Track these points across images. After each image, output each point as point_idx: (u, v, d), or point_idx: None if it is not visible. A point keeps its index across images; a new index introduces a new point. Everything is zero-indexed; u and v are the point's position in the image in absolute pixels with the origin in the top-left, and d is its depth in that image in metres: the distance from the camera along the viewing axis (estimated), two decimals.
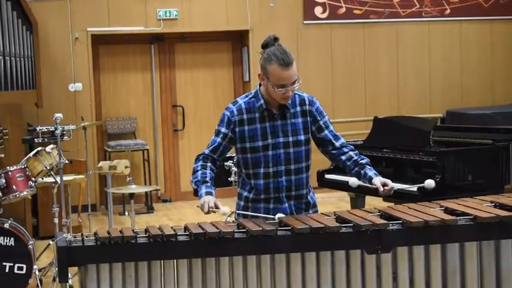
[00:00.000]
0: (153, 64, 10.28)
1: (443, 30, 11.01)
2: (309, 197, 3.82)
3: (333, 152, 3.82)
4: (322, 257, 3.30)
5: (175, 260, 3.25)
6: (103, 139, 10.19)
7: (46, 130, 6.28)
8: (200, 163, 3.75)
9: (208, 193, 3.62)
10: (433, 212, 3.49)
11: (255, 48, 9.76)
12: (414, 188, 3.78)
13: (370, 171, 3.74)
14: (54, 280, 5.84)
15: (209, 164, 3.74)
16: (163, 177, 10.43)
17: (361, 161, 3.79)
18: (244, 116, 3.72)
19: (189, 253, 3.25)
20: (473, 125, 8.10)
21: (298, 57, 10.27)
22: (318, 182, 6.49)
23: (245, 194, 3.79)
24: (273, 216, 3.55)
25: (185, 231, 3.33)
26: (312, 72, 10.43)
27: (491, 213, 3.41)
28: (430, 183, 3.80)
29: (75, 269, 3.28)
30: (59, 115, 5.83)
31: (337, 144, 3.82)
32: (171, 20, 10.08)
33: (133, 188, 6.53)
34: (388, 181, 3.68)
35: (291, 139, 3.72)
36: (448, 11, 10.99)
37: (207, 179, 3.68)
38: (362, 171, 3.76)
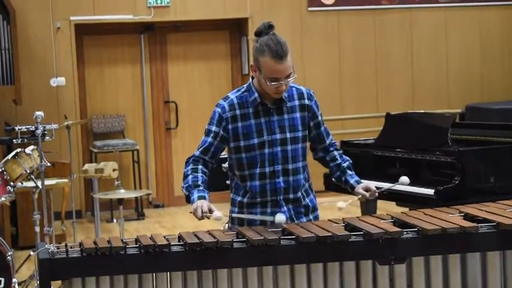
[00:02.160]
0: (143, 56, 10.29)
1: (461, 17, 11.01)
2: (307, 200, 3.83)
3: (321, 150, 3.92)
4: (330, 268, 3.31)
5: (168, 273, 3.25)
6: (88, 139, 10.20)
7: (26, 130, 6.26)
8: (190, 167, 3.75)
9: (200, 197, 3.62)
10: (452, 218, 3.50)
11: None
12: (394, 186, 3.85)
13: (352, 179, 3.86)
14: None
15: (200, 167, 3.75)
16: (155, 181, 10.44)
17: (343, 165, 3.90)
18: (237, 112, 3.73)
19: (184, 265, 3.26)
20: (496, 122, 8.10)
21: (302, 47, 10.28)
22: (324, 185, 6.50)
23: (239, 199, 3.80)
24: (270, 218, 3.56)
25: (179, 241, 3.34)
26: (318, 63, 10.43)
27: None
28: (404, 179, 3.82)
29: (59, 282, 3.28)
30: (39, 113, 5.83)
31: (328, 142, 3.92)
32: (163, 7, 10.08)
33: (122, 193, 6.54)
34: (370, 185, 3.78)
35: (288, 135, 3.74)
36: None
37: (199, 182, 3.69)
38: (343, 178, 3.89)
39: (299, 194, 3.79)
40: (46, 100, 9.50)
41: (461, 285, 3.37)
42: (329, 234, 3.30)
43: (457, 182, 5.39)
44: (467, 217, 3.55)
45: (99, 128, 10.09)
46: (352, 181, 3.84)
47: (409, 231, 3.36)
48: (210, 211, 3.54)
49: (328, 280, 3.31)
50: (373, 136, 6.83)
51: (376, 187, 3.82)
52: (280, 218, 3.54)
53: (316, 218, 3.85)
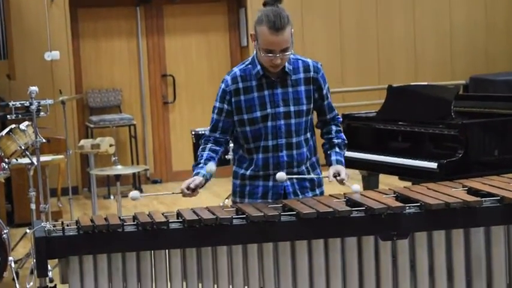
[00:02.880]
0: (139, 29, 10.25)
1: None
2: (313, 174, 3.84)
3: (320, 121, 3.94)
4: (331, 244, 3.32)
5: (167, 250, 3.27)
6: (84, 114, 10.19)
7: (20, 105, 6.27)
8: (201, 147, 3.83)
9: (195, 174, 3.68)
10: (455, 192, 3.51)
11: (254, 10, 9.73)
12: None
13: (334, 156, 3.84)
14: (32, 273, 5.87)
15: (209, 145, 3.79)
16: (153, 156, 10.44)
17: (334, 140, 3.90)
18: (240, 85, 3.76)
19: (183, 242, 3.27)
20: (500, 93, 8.09)
21: (302, 19, 10.25)
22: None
23: (241, 171, 3.83)
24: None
25: (178, 218, 3.35)
26: (319, 35, 10.40)
27: None
28: (355, 188, 3.63)
29: (56, 260, 3.30)
30: (34, 88, 5.83)
31: (329, 116, 3.92)
32: None
33: (119, 169, 6.54)
34: (340, 170, 3.72)
35: (292, 109, 3.76)
36: None
37: (202, 160, 3.73)
38: (328, 152, 3.88)
39: (303, 167, 3.80)
40: (40, 74, 9.48)
41: (464, 261, 3.39)
42: (330, 209, 3.31)
43: (460, 155, 5.39)
44: (471, 191, 3.56)
45: (95, 102, 10.08)
46: (333, 158, 3.83)
47: (412, 206, 3.37)
48: (189, 188, 3.58)
49: (329, 256, 3.32)
50: (374, 109, 6.83)
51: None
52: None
53: (322, 193, 3.88)
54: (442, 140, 5.64)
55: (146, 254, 3.26)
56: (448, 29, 10.94)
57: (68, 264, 3.23)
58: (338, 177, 3.71)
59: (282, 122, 3.74)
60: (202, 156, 3.75)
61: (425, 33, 10.86)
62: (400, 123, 6.01)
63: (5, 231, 5.74)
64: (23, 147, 5.98)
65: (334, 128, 3.93)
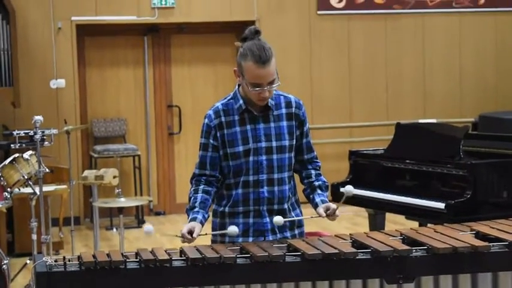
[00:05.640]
0: (146, 58, 10.30)
1: (476, 23, 11.01)
2: (293, 214, 3.84)
3: (298, 162, 3.90)
4: (336, 286, 3.31)
5: None
6: (88, 143, 10.22)
7: (24, 135, 6.28)
8: (193, 188, 3.81)
9: (192, 220, 3.67)
10: (463, 236, 3.50)
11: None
12: (344, 198, 3.74)
13: (318, 198, 3.83)
14: None
15: (201, 187, 3.79)
16: (157, 187, 10.45)
17: (314, 183, 3.89)
18: (223, 119, 3.79)
19: (186, 281, 3.27)
20: (510, 133, 8.09)
21: (311, 52, 10.29)
22: (332, 196, 6.51)
23: (220, 209, 3.82)
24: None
25: (181, 256, 3.35)
26: (327, 69, 10.44)
27: None
28: (349, 189, 3.75)
29: None
30: (38, 118, 5.85)
31: (306, 157, 3.91)
32: (167, 8, 10.10)
33: (123, 202, 6.54)
34: (330, 205, 3.73)
35: (274, 144, 3.77)
36: (482, 1, 11.00)
37: (196, 204, 3.73)
38: (311, 196, 3.87)
39: (285, 205, 3.81)
40: (45, 102, 9.53)
41: None
42: (335, 251, 3.30)
43: (468, 196, 5.39)
44: (479, 235, 3.55)
45: (99, 131, 10.11)
46: (317, 200, 3.82)
47: (419, 249, 3.36)
48: (190, 233, 3.58)
49: None
50: (382, 145, 6.85)
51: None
52: (232, 229, 3.63)
53: (301, 234, 3.87)
54: (450, 180, 5.63)
55: None
56: (457, 66, 10.98)
57: None
58: (329, 211, 3.70)
59: (264, 157, 3.76)
60: (196, 199, 3.74)
61: (434, 70, 10.90)
62: (407, 161, 6.02)
63: (5, 261, 5.73)
64: (26, 177, 6.00)
65: (313, 172, 3.92)
